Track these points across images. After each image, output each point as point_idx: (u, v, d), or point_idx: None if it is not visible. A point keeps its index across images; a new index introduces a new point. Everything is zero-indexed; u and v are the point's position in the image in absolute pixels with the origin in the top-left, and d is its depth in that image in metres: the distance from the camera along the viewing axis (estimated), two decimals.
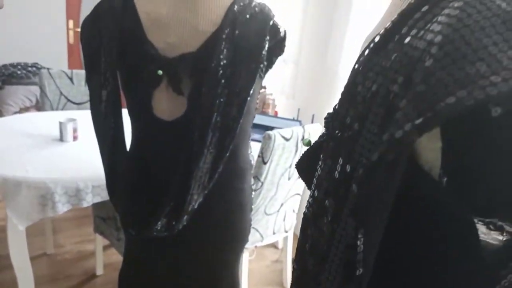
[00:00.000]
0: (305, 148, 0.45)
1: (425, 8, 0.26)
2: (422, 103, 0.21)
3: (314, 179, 0.33)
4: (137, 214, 0.94)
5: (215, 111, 0.81)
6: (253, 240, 1.83)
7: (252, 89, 0.83)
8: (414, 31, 0.25)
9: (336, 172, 0.28)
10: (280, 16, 2.49)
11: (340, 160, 0.27)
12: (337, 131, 0.30)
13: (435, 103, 0.20)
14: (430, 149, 0.25)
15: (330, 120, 0.35)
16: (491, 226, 0.26)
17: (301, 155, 0.44)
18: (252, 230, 1.78)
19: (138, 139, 0.94)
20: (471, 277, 0.25)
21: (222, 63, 0.80)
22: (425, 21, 0.25)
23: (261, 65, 0.85)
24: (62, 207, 1.37)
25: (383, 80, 0.25)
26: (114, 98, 0.88)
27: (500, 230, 0.26)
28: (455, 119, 0.22)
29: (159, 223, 0.87)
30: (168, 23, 0.85)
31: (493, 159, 0.23)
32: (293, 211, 1.99)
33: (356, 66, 0.31)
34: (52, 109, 2.29)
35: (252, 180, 1.69)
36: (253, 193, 1.70)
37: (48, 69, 2.35)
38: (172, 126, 0.88)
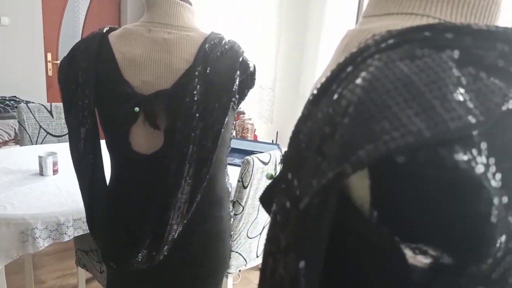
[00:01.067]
0: (269, 181, 0.49)
1: (349, 68, 0.31)
2: (340, 155, 0.25)
3: (271, 213, 0.37)
4: (118, 247, 0.96)
5: (190, 143, 0.85)
6: (237, 264, 1.85)
7: (225, 121, 0.88)
8: (339, 90, 0.30)
9: (286, 208, 0.33)
10: (255, 46, 2.59)
11: (287, 200, 0.31)
12: (287, 172, 0.34)
13: (350, 155, 0.25)
14: (360, 187, 0.30)
15: (284, 157, 0.39)
16: (416, 251, 0.31)
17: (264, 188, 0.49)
18: (235, 255, 1.80)
19: (117, 173, 0.97)
20: None
21: (195, 98, 0.85)
22: (348, 81, 0.30)
23: (233, 98, 0.90)
24: (43, 242, 1.37)
25: (317, 131, 0.30)
26: (93, 136, 0.91)
27: (425, 254, 0.31)
28: (375, 164, 0.27)
29: (140, 255, 0.89)
30: (143, 62, 0.89)
31: (409, 197, 0.28)
32: None
33: (302, 113, 0.36)
34: (32, 143, 2.29)
35: (232, 205, 1.73)
36: (235, 217, 1.73)
37: (26, 102, 2.35)
38: (150, 160, 0.91)
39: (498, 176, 0.26)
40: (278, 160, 1.82)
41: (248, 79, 0.96)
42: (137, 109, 0.88)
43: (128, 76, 0.89)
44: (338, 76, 0.31)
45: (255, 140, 2.49)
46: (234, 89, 0.88)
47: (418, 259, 0.31)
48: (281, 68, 2.47)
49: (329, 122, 0.28)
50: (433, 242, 0.29)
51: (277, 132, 2.49)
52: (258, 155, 1.76)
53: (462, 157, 0.26)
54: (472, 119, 0.26)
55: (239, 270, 1.90)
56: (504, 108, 0.26)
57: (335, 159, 0.26)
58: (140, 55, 0.89)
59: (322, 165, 0.26)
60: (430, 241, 0.29)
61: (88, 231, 1.34)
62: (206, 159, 0.88)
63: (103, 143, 0.95)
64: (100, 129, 0.94)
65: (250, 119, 2.61)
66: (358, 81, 0.28)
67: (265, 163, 1.76)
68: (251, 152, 2.12)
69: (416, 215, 0.28)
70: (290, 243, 0.30)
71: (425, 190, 0.27)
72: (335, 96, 0.29)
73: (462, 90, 0.27)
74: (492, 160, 0.26)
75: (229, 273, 1.82)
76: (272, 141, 2.48)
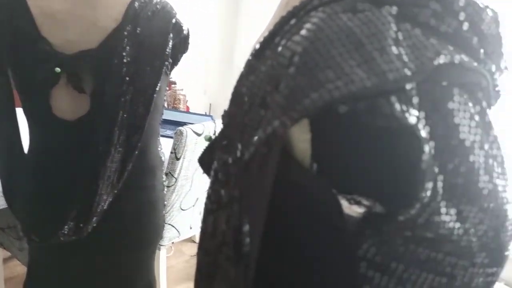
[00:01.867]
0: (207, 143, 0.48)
1: (293, 21, 0.31)
2: (286, 104, 0.25)
3: (212, 171, 0.36)
4: (41, 220, 0.89)
5: (120, 109, 0.80)
6: (170, 236, 1.83)
7: (158, 87, 0.84)
8: (284, 41, 0.29)
9: (228, 164, 0.32)
10: (186, 11, 2.48)
11: (229, 157, 0.31)
12: (228, 128, 0.33)
13: (295, 103, 0.25)
14: (301, 140, 0.30)
15: (225, 116, 0.39)
16: (352, 201, 0.32)
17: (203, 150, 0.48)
18: (168, 227, 1.78)
19: (37, 141, 0.89)
20: (337, 245, 0.30)
21: (125, 60, 0.80)
22: (291, 33, 0.29)
23: (166, 63, 0.86)
24: None
25: (260, 84, 0.29)
26: (6, 99, 0.82)
27: (359, 204, 0.32)
28: (317, 115, 0.27)
29: (66, 227, 0.84)
30: (64, 18, 0.81)
31: (348, 147, 0.29)
32: None
33: (243, 69, 0.35)
34: None
35: (165, 176, 1.69)
36: (167, 189, 1.70)
37: None
38: (74, 126, 0.85)
39: (427, 129, 0.28)
40: (212, 132, 1.80)
41: (182, 43, 0.92)
42: (58, 69, 0.80)
43: (47, 33, 0.80)
44: (282, 29, 0.30)
45: (187, 111, 2.44)
46: (167, 53, 0.84)
47: (353, 209, 0.32)
48: (215, 37, 2.42)
49: (273, 74, 0.28)
50: (368, 192, 0.30)
51: (210, 104, 2.46)
52: (191, 126, 1.72)
53: (398, 107, 0.27)
54: (407, 72, 0.27)
55: (172, 242, 1.89)
56: (435, 62, 0.28)
57: (280, 108, 0.25)
58: (60, 11, 0.81)
59: (267, 115, 0.26)
60: (365, 191, 0.30)
61: (5, 207, 1.23)
62: (137, 126, 0.84)
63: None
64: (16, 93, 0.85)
65: (182, 89, 2.54)
66: (303, 32, 0.28)
67: (198, 134, 1.74)
68: (183, 124, 2.07)
69: (353, 165, 0.29)
70: (232, 197, 0.29)
71: (362, 139, 0.28)
72: (279, 49, 0.29)
73: (399, 44, 0.28)
74: (422, 114, 0.28)
75: (161, 245, 1.80)
76: (205, 113, 2.45)
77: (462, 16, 0.30)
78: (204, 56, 2.46)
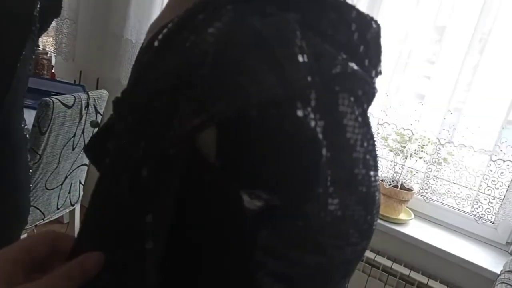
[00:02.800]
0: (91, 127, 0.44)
1: (201, 16, 0.30)
2: (198, 106, 0.25)
3: (107, 158, 0.33)
4: None
5: None
6: (33, 219, 1.64)
7: (21, 55, 0.73)
8: (193, 37, 0.28)
9: (128, 155, 0.30)
10: None
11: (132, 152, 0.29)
12: (128, 117, 0.31)
13: (209, 106, 0.24)
14: (206, 135, 0.30)
15: (119, 105, 0.36)
16: (252, 196, 0.34)
17: (89, 137, 0.43)
18: (31, 209, 1.59)
19: None
20: (234, 237, 0.31)
21: None
22: (201, 29, 0.28)
23: (33, 27, 0.75)
24: None
25: (166, 80, 0.28)
26: None
27: (259, 198, 0.34)
28: (225, 118, 0.27)
29: None
30: None
31: (254, 147, 0.30)
32: (80, 182, 1.86)
33: (140, 61, 0.32)
34: None
35: (28, 154, 1.49)
36: (30, 170, 1.51)
37: None
38: None
39: (321, 129, 0.31)
40: (84, 104, 1.65)
41: (52, 5, 0.81)
42: None
43: None
44: (190, 22, 0.29)
45: (53, 79, 2.17)
46: (34, 15, 0.73)
47: (253, 203, 0.34)
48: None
49: (183, 72, 0.27)
50: (268, 187, 0.32)
51: (81, 71, 2.23)
52: (59, 96, 1.54)
53: (301, 112, 0.28)
54: (310, 79, 0.28)
55: (35, 225, 1.70)
56: (334, 71, 0.30)
57: (192, 111, 0.25)
58: None
59: (178, 114, 0.25)
60: (265, 187, 0.32)
61: None
62: None
63: None
64: None
65: (46, 53, 2.25)
66: (213, 31, 0.27)
67: (68, 106, 1.57)
68: (49, 93, 1.84)
69: (259, 164, 0.30)
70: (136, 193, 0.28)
71: (269, 141, 0.29)
72: (188, 44, 0.28)
73: (304, 52, 0.29)
74: (318, 116, 0.30)
75: (24, 229, 1.61)
76: (75, 81, 2.21)
77: (353, 26, 0.33)
78: (73, 17, 2.20)
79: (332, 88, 0.31)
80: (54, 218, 1.81)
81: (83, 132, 1.70)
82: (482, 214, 1.42)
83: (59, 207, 1.78)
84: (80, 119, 1.64)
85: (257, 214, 0.33)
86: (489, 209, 1.42)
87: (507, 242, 1.47)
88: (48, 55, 2.28)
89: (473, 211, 1.44)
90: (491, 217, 1.43)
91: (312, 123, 0.29)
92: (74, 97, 1.58)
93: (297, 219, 0.33)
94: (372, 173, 0.35)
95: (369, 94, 0.35)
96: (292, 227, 0.32)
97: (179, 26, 0.29)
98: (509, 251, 1.46)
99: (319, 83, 0.29)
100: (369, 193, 0.34)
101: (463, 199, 1.47)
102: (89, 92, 1.67)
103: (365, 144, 0.34)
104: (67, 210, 1.88)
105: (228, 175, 0.30)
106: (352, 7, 0.33)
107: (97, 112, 1.72)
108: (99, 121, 0.50)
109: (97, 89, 2.11)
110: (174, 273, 0.33)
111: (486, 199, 1.42)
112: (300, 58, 0.28)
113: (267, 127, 0.27)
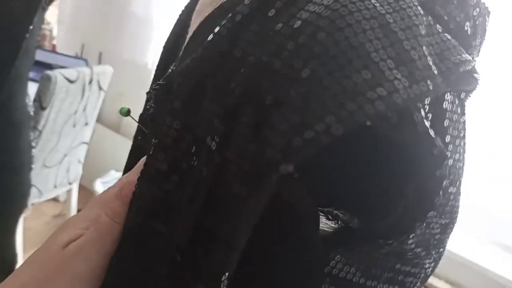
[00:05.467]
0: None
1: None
2: (304, 116, 0.17)
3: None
4: None
5: None
6: (30, 197, 1.57)
7: (31, 24, 0.65)
8: (287, 24, 0.21)
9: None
10: None
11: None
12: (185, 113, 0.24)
13: (317, 122, 0.17)
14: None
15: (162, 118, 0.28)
16: (329, 216, 0.28)
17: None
18: None
19: None
20: (307, 260, 0.26)
21: None
22: (298, 8, 0.21)
23: None
24: None
25: (249, 82, 0.21)
26: None
27: (336, 219, 0.28)
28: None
29: None
30: None
31: (335, 162, 0.24)
32: (79, 161, 1.79)
33: (206, 50, 0.25)
34: None
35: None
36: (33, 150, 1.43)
37: None
38: None
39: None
40: (88, 80, 1.56)
41: None
42: None
43: None
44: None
45: (54, 51, 2.07)
46: None
47: (329, 224, 0.28)
48: None
49: (276, 74, 0.20)
50: (351, 205, 0.26)
51: (83, 44, 2.12)
52: (62, 70, 1.46)
53: (424, 119, 0.22)
54: (439, 80, 0.22)
55: (32, 204, 1.64)
56: (461, 69, 0.24)
57: (298, 119, 0.18)
58: None
59: (268, 137, 0.18)
60: (342, 206, 0.27)
61: None
62: (0, 72, 0.64)
63: None
64: None
65: (48, 23, 2.14)
66: (320, 9, 0.20)
67: (71, 81, 1.48)
68: (49, 66, 1.75)
69: (336, 181, 0.25)
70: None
71: (379, 155, 0.23)
72: (289, 27, 0.21)
73: (428, 43, 0.22)
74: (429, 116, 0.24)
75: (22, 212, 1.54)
76: (77, 54, 2.11)
77: (476, 12, 0.26)
78: None
79: (454, 87, 0.25)
80: (50, 197, 1.74)
81: (85, 109, 1.62)
82: None
83: (56, 185, 1.72)
84: (83, 95, 1.56)
85: (329, 236, 0.28)
86: None
87: None
88: (50, 25, 2.17)
89: None
90: None
91: (432, 133, 0.23)
92: (78, 72, 1.49)
93: (381, 246, 0.27)
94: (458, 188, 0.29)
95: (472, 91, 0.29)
96: (371, 253, 0.27)
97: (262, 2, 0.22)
98: None
99: (446, 84, 0.22)
100: (450, 209, 0.28)
101: None
102: (92, 67, 1.58)
103: (457, 157, 0.28)
104: (65, 189, 1.81)
105: (304, 189, 0.24)
106: None
107: (100, 88, 1.63)
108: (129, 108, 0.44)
109: (99, 63, 2.01)
110: None
111: None
112: (426, 51, 0.22)
113: (385, 139, 0.21)
